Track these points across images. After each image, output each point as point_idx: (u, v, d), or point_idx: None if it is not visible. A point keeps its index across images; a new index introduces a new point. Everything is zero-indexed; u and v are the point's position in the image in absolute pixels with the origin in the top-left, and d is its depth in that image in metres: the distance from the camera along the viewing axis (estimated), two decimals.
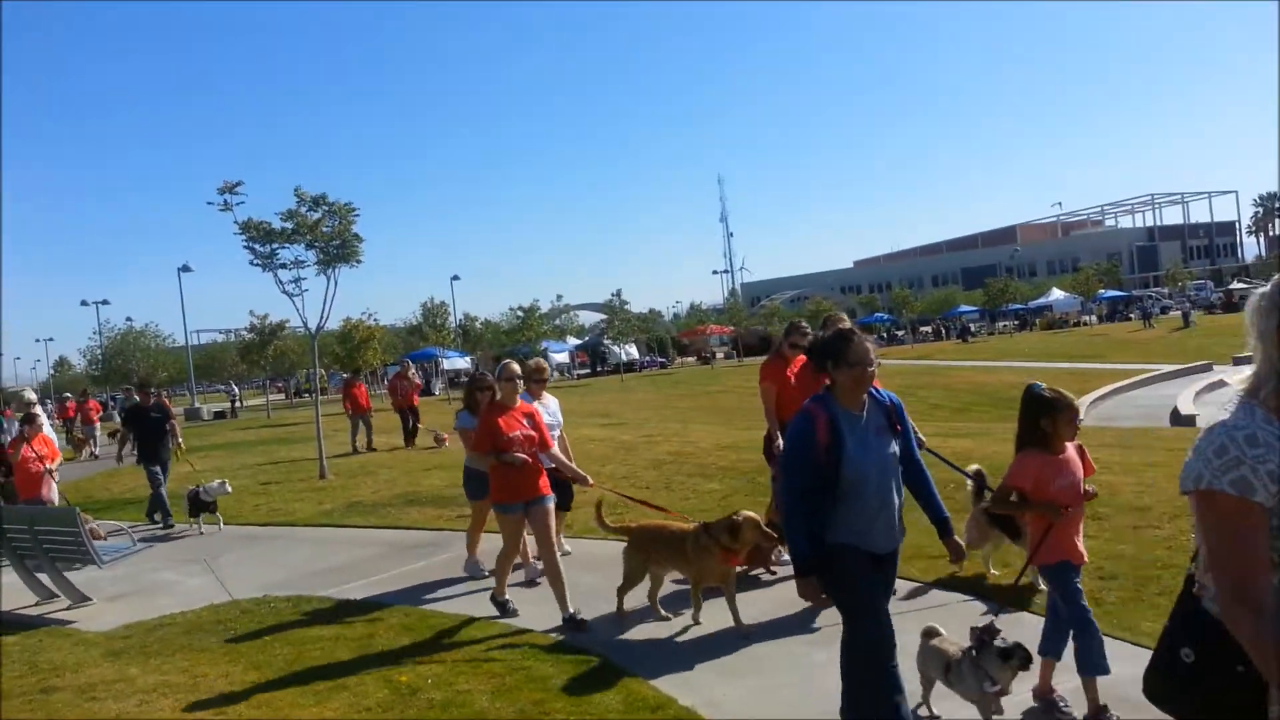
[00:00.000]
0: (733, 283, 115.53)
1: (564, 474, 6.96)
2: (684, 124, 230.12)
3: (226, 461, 18.52)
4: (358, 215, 15.49)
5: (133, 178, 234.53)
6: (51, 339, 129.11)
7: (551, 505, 6.53)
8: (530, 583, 7.50)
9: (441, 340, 46.29)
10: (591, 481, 6.99)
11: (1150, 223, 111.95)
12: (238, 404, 50.70)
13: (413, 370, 22.23)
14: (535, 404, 7.47)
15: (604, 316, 62.86)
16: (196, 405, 45.31)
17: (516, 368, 6.65)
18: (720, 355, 68.71)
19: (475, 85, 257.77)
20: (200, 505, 11.07)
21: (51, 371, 75.54)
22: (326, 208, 15.35)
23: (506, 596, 6.71)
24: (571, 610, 6.18)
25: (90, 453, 24.69)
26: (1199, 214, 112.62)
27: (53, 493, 10.56)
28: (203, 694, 5.35)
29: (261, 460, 18.21)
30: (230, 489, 11.44)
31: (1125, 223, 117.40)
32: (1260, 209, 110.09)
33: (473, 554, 8.10)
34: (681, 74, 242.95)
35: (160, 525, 11.82)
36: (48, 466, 10.24)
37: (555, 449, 6.95)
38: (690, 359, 71.32)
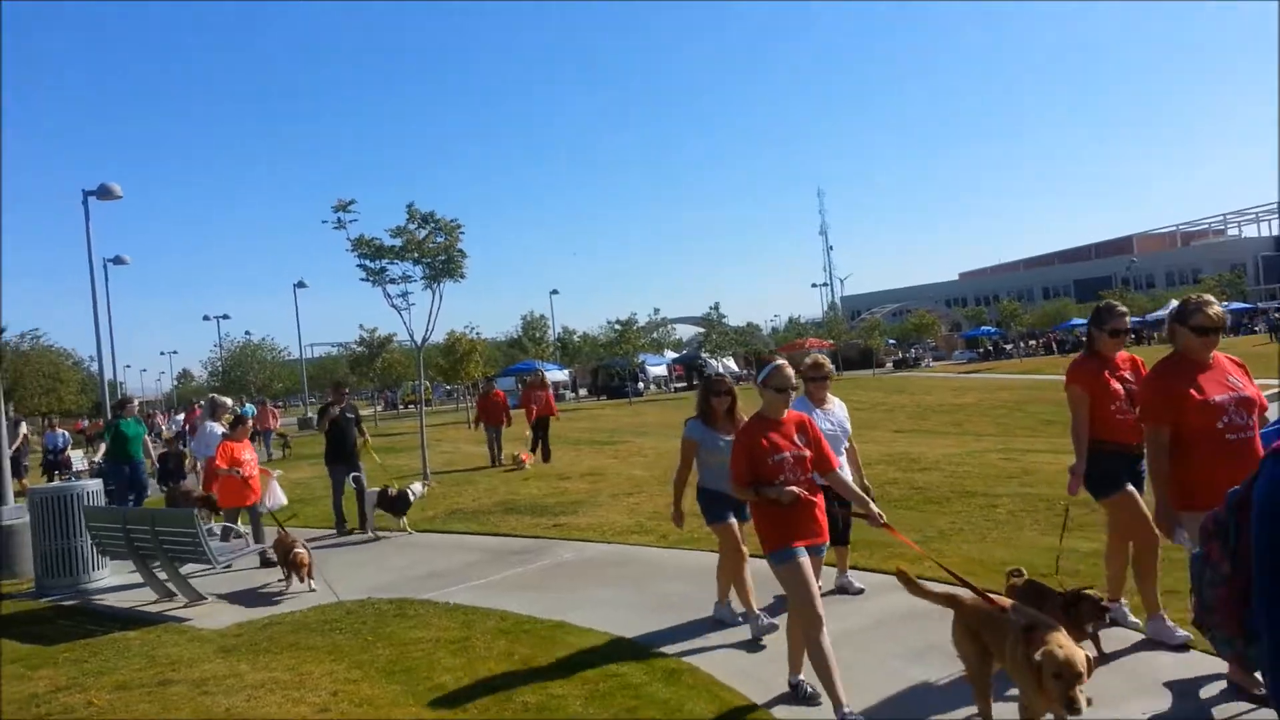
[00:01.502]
0: (832, 295, 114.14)
1: (851, 505, 5.01)
2: (784, 135, 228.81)
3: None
4: (463, 232, 15.86)
5: (253, 197, 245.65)
6: (175, 352, 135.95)
7: (822, 558, 4.98)
8: (755, 642, 5.99)
9: (541, 353, 47.00)
10: (883, 519, 4.82)
11: (1276, 231, 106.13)
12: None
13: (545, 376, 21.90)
14: (814, 411, 6.31)
15: (701, 330, 62.86)
16: (309, 415, 46.95)
17: (790, 372, 4.87)
18: None
19: (574, 102, 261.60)
20: (404, 505, 11.26)
21: (175, 383, 79.60)
22: (434, 224, 15.77)
23: (801, 678, 5.01)
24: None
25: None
26: None
27: (278, 494, 10.91)
28: (307, 690, 5.52)
29: (369, 467, 18.74)
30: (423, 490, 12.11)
31: (1249, 232, 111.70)
32: None
33: (723, 596, 6.48)
34: (782, 84, 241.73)
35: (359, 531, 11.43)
36: (237, 470, 9.93)
37: (842, 469, 5.26)
38: None
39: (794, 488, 4.64)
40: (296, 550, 8.23)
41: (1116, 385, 5.39)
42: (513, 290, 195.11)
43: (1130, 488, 5.40)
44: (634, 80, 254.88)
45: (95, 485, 9.78)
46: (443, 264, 15.77)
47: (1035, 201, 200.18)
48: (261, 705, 5.35)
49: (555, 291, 61.57)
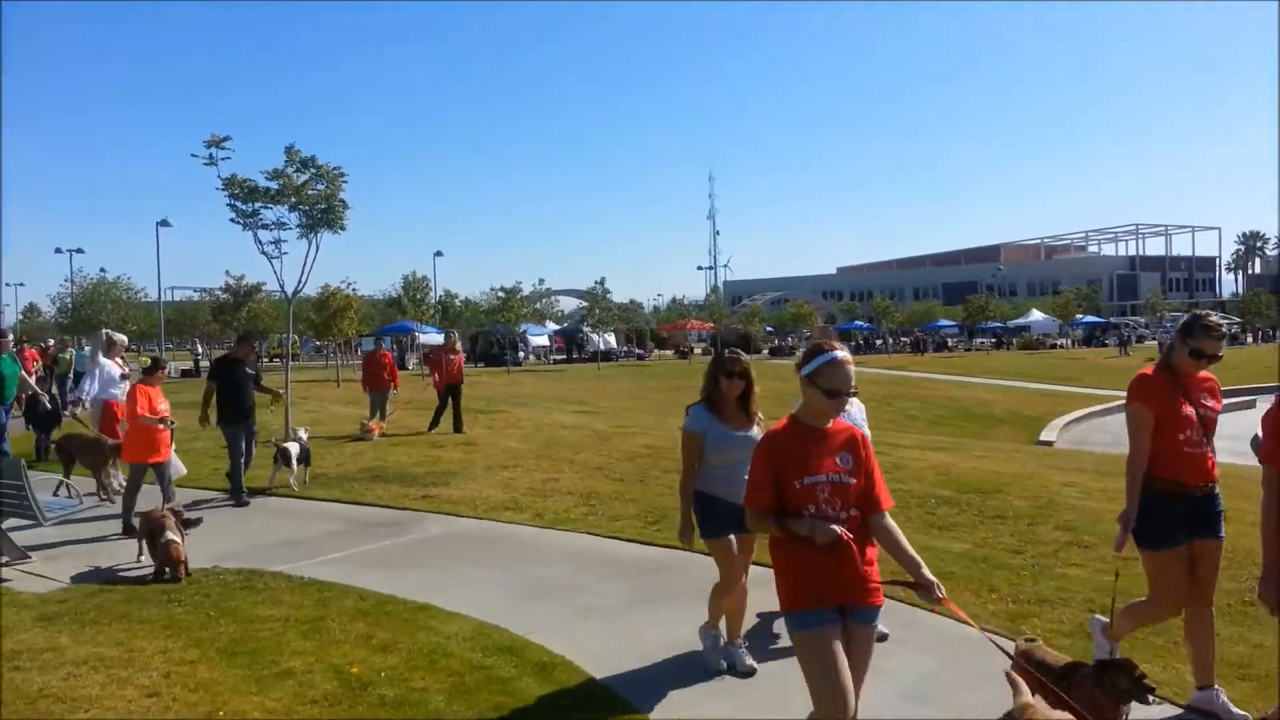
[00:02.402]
0: (715, 279, 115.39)
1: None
2: (678, 118, 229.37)
3: (192, 421, 17.98)
4: (346, 181, 15.06)
5: (118, 130, 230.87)
6: (22, 284, 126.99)
7: (874, 630, 3.64)
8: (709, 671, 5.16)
9: (420, 315, 45.75)
10: (941, 592, 3.37)
11: (1133, 252, 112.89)
12: (203, 363, 49.91)
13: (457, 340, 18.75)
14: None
15: (585, 303, 62.51)
16: (200, 360, 44.52)
17: (851, 369, 3.53)
18: (698, 350, 68.52)
19: (472, 67, 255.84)
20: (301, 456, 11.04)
21: (20, 317, 74.23)
22: (315, 170, 14.92)
23: None
24: None
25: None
26: (1181, 247, 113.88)
27: (176, 463, 9.73)
28: (136, 669, 4.97)
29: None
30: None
31: (1108, 250, 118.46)
32: (1243, 246, 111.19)
33: (714, 620, 5.34)
34: (679, 68, 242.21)
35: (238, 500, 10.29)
36: (170, 422, 9.05)
37: (887, 520, 3.57)
38: (668, 352, 71.13)
39: (836, 526, 3.36)
40: (171, 541, 6.91)
41: (1190, 410, 4.41)
42: (395, 249, 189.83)
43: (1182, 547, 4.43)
44: (537, 47, 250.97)
45: None
46: (321, 213, 14.94)
47: (911, 204, 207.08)
48: (81, 685, 4.77)
49: (439, 253, 60.23)
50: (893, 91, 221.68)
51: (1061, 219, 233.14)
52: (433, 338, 54.23)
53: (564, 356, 61.99)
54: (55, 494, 9.49)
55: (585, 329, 59.19)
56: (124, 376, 11.11)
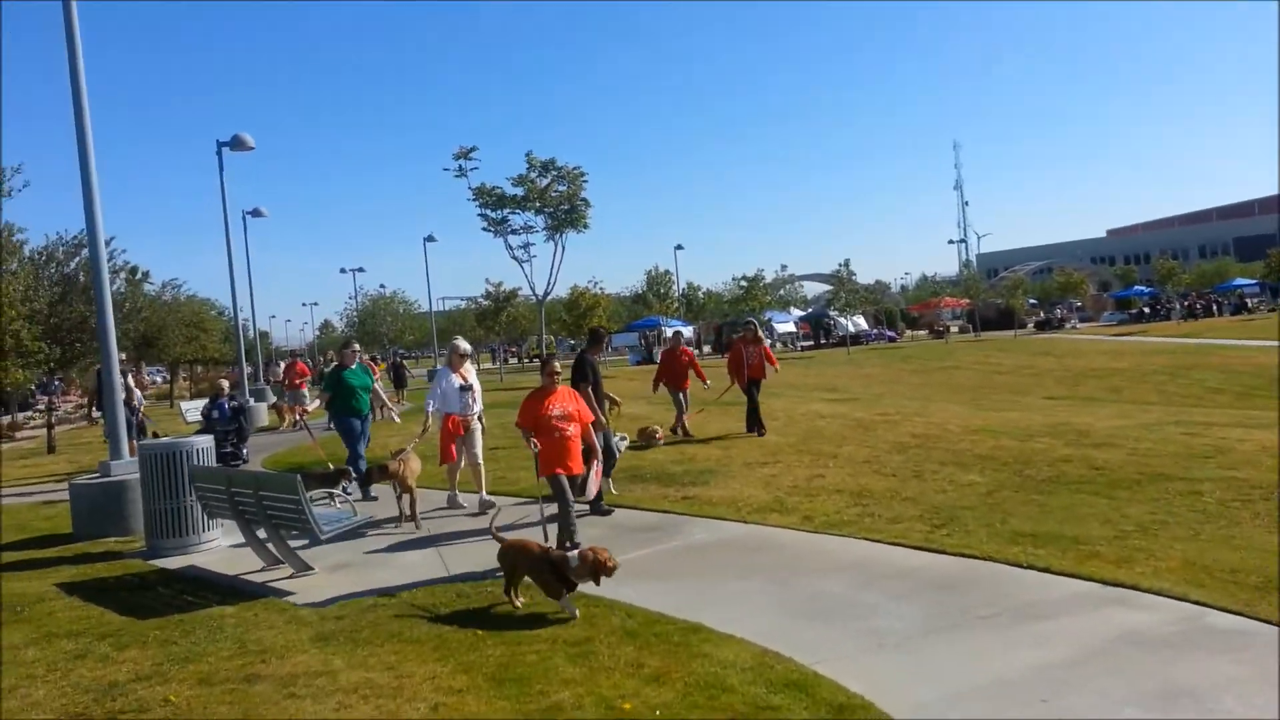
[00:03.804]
0: (966, 252, 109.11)
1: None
2: (917, 87, 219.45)
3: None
4: (586, 181, 15.04)
5: (387, 154, 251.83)
6: (316, 303, 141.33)
7: None
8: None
9: (665, 309, 46.10)
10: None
11: None
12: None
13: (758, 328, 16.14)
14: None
15: (829, 287, 60.77)
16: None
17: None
18: (954, 329, 65.05)
19: (705, 56, 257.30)
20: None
21: (317, 333, 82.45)
22: (556, 172, 15.03)
23: None
24: None
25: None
26: None
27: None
28: (405, 699, 4.73)
29: (490, 424, 18.21)
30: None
31: None
32: None
33: None
34: (917, 36, 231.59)
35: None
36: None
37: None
38: (921, 332, 67.97)
39: None
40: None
41: None
42: (636, 245, 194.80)
43: None
44: (771, 33, 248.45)
45: (205, 442, 9.34)
46: (565, 213, 15.04)
47: (1188, 154, 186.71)
48: (351, 717, 4.58)
49: (680, 247, 60.48)
50: (1151, 32, 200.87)
51: None
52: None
53: (811, 343, 60.64)
54: (341, 503, 9.81)
55: (832, 313, 57.55)
56: (465, 388, 10.11)
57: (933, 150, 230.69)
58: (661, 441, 13.66)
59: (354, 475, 10.34)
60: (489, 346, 69.15)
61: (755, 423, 14.41)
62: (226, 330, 44.06)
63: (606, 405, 10.64)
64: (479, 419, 10.43)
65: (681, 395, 15.06)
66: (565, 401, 7.84)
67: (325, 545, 8.21)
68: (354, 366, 11.76)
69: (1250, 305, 65.80)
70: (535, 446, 7.57)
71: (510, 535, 6.87)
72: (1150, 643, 4.96)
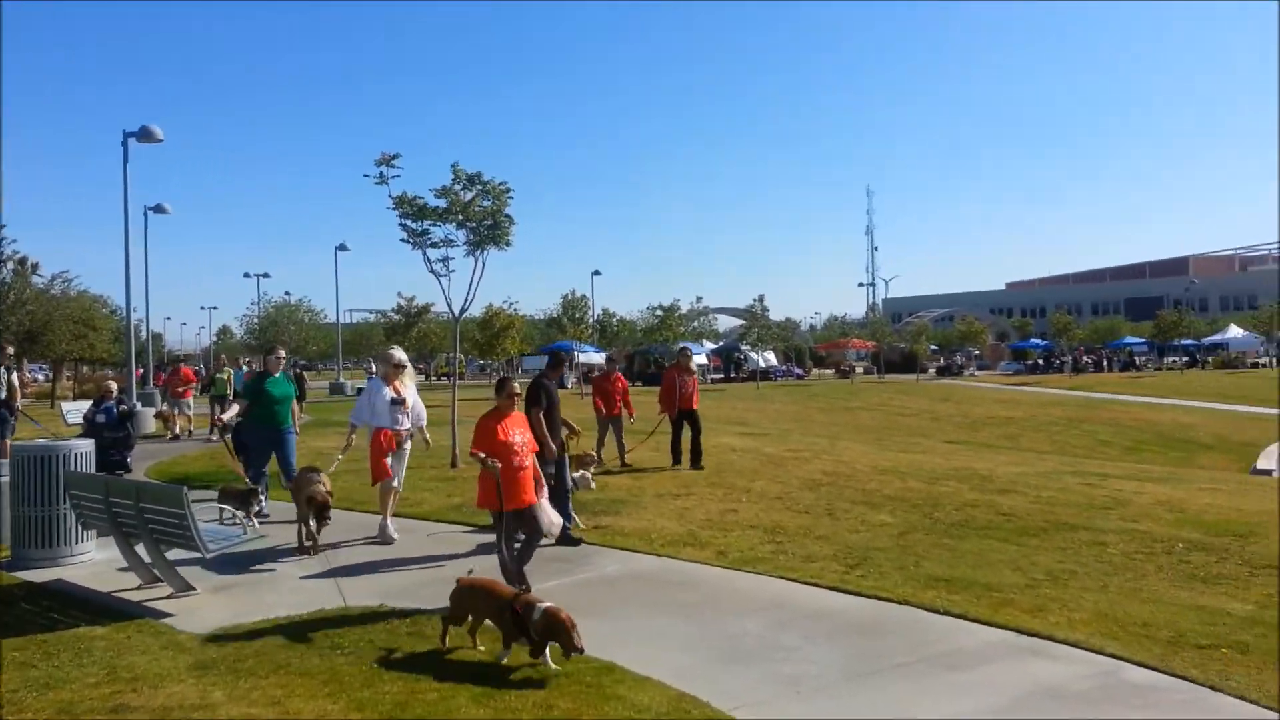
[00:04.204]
0: (872, 296, 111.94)
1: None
2: (835, 132, 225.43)
3: (359, 440, 18.03)
4: (512, 196, 14.72)
5: (300, 156, 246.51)
6: (216, 307, 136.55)
7: None
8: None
9: (579, 334, 45.83)
10: None
11: None
12: None
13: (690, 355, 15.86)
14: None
15: (741, 322, 61.37)
16: (341, 380, 46.21)
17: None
18: (860, 370, 66.32)
19: (627, 86, 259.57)
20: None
21: (214, 339, 79.50)
22: (481, 186, 14.67)
23: None
24: None
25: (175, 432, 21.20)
26: None
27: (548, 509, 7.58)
28: None
29: None
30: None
31: None
32: None
33: None
34: (835, 80, 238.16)
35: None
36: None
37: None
38: (828, 371, 69.14)
39: None
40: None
41: None
42: (554, 269, 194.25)
43: None
44: (690, 68, 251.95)
45: (85, 446, 8.67)
46: (488, 229, 14.65)
47: (1084, 215, 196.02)
48: None
49: (598, 272, 60.34)
50: (1056, 97, 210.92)
51: (1257, 227, 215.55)
52: (591, 357, 54.39)
53: (722, 375, 61.06)
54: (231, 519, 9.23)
55: (744, 347, 58.07)
56: (396, 401, 9.40)
57: (848, 194, 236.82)
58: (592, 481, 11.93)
59: (260, 493, 9.80)
60: None
61: (695, 455, 13.93)
62: (118, 330, 42.03)
63: (564, 434, 9.88)
64: (424, 435, 9.94)
65: (613, 424, 14.62)
66: (522, 427, 7.22)
67: (210, 565, 7.67)
68: (277, 375, 10.68)
69: (1138, 363, 68.93)
70: (495, 465, 6.68)
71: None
72: (1069, 697, 4.90)
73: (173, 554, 7.23)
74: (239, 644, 5.80)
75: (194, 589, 7.13)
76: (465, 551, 8.52)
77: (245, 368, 22.04)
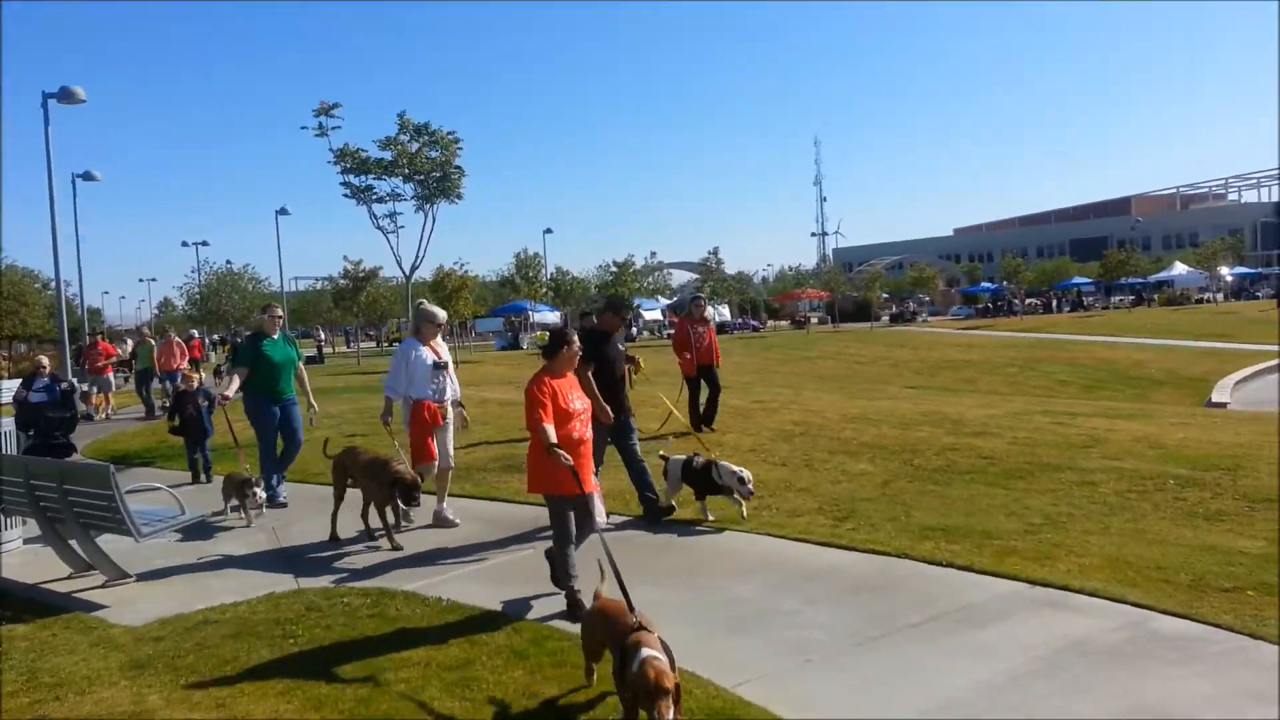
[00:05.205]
0: (823, 247, 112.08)
1: None
2: (781, 83, 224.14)
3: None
4: (461, 148, 13.98)
5: (237, 122, 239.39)
6: (155, 279, 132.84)
7: None
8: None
9: (533, 294, 45.01)
10: None
11: (1277, 197, 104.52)
12: (325, 349, 50.58)
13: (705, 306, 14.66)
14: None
15: (697, 276, 60.92)
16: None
17: None
18: (814, 320, 66.41)
19: (576, 38, 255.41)
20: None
21: (155, 311, 77.09)
22: (429, 136, 13.92)
23: None
24: None
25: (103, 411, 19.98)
26: None
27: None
28: None
29: (347, 408, 16.88)
30: None
31: (1249, 197, 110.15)
32: None
33: None
34: (780, 31, 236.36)
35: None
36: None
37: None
38: (782, 323, 69.13)
39: None
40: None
41: None
42: (506, 228, 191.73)
43: None
44: (638, 21, 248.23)
45: (5, 424, 7.91)
46: (437, 181, 13.94)
47: (1030, 159, 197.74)
48: None
49: (549, 230, 59.55)
50: (1003, 41, 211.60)
51: (1197, 167, 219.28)
52: (545, 316, 53.57)
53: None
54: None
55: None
56: (439, 366, 7.96)
57: (794, 146, 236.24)
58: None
59: (255, 481, 8.29)
60: (344, 329, 66.22)
61: (708, 416, 12.65)
62: (50, 305, 40.36)
63: (629, 371, 8.30)
64: (460, 408, 8.34)
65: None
66: (580, 392, 5.81)
67: (147, 550, 7.00)
68: (275, 337, 9.12)
69: (1086, 303, 69.82)
70: (568, 460, 5.24)
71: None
72: (1101, 653, 4.49)
73: (105, 539, 6.57)
74: (179, 638, 5.19)
75: (129, 575, 6.48)
76: (428, 523, 7.94)
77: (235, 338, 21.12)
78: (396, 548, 7.06)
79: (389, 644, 4.96)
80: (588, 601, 4.76)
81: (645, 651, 3.71)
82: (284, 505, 8.91)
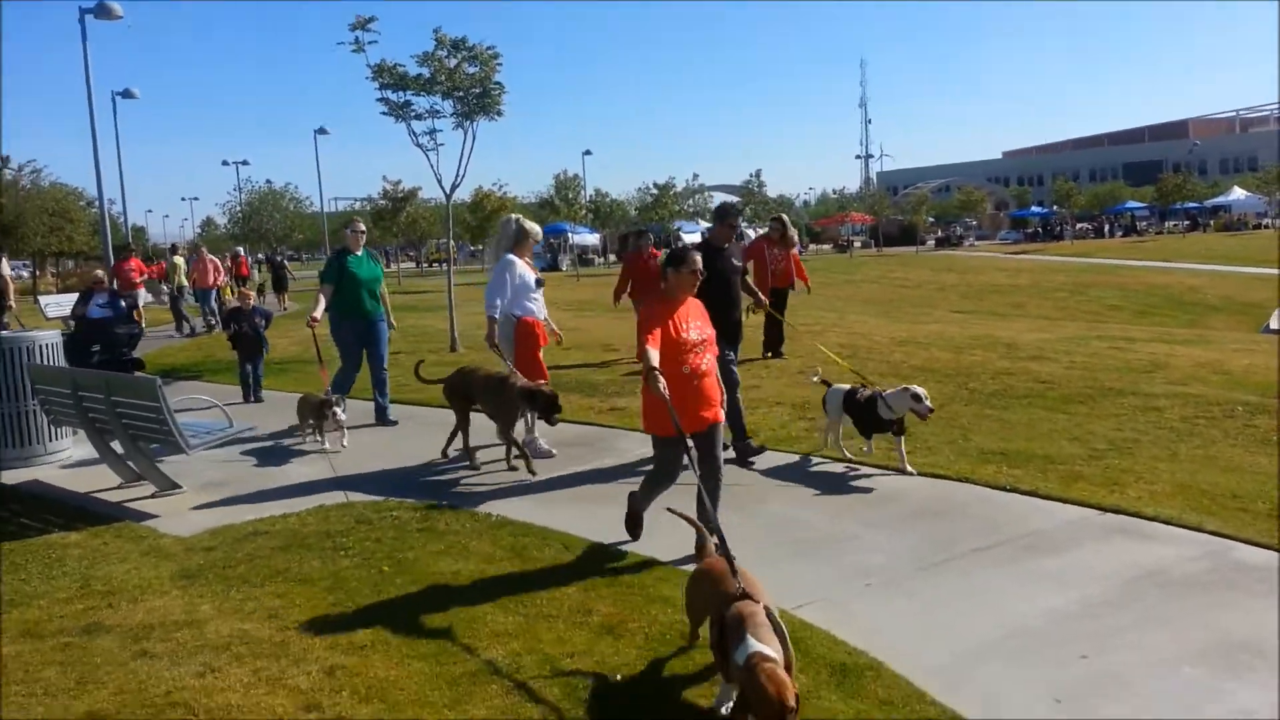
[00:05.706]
0: (866, 170, 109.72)
1: None
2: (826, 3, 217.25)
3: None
4: (501, 63, 13.56)
5: (274, 41, 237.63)
6: (197, 198, 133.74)
7: None
8: None
9: (573, 215, 44.57)
10: None
11: None
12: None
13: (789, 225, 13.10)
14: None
15: (739, 199, 59.97)
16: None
17: None
18: (857, 244, 65.31)
19: None
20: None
21: (199, 230, 77.63)
22: (467, 51, 13.49)
23: None
24: None
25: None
26: None
27: None
28: (291, 660, 3.71)
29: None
30: None
31: None
32: None
33: None
34: None
35: None
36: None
37: None
38: (825, 246, 68.10)
39: None
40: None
41: None
42: (545, 149, 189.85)
43: None
44: None
45: (50, 337, 7.90)
46: (476, 98, 13.55)
47: (1081, 81, 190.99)
48: (219, 685, 3.54)
49: (589, 152, 58.71)
50: None
51: (1259, 89, 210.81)
52: (585, 238, 53.15)
53: None
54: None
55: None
56: (539, 283, 7.61)
57: (841, 66, 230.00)
58: None
59: (336, 401, 7.81)
60: (385, 249, 66.26)
61: (775, 341, 11.94)
62: (95, 222, 40.69)
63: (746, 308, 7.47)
64: (550, 325, 7.85)
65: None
66: (702, 319, 5.04)
67: (198, 460, 7.00)
68: (359, 254, 8.80)
69: (1139, 228, 67.93)
70: (666, 393, 4.44)
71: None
72: (1180, 583, 4.29)
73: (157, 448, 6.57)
74: (229, 548, 5.17)
75: (179, 486, 6.48)
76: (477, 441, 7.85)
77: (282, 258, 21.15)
78: (533, 470, 6.63)
79: (439, 555, 4.88)
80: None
81: (753, 646, 2.98)
82: (394, 423, 8.74)
